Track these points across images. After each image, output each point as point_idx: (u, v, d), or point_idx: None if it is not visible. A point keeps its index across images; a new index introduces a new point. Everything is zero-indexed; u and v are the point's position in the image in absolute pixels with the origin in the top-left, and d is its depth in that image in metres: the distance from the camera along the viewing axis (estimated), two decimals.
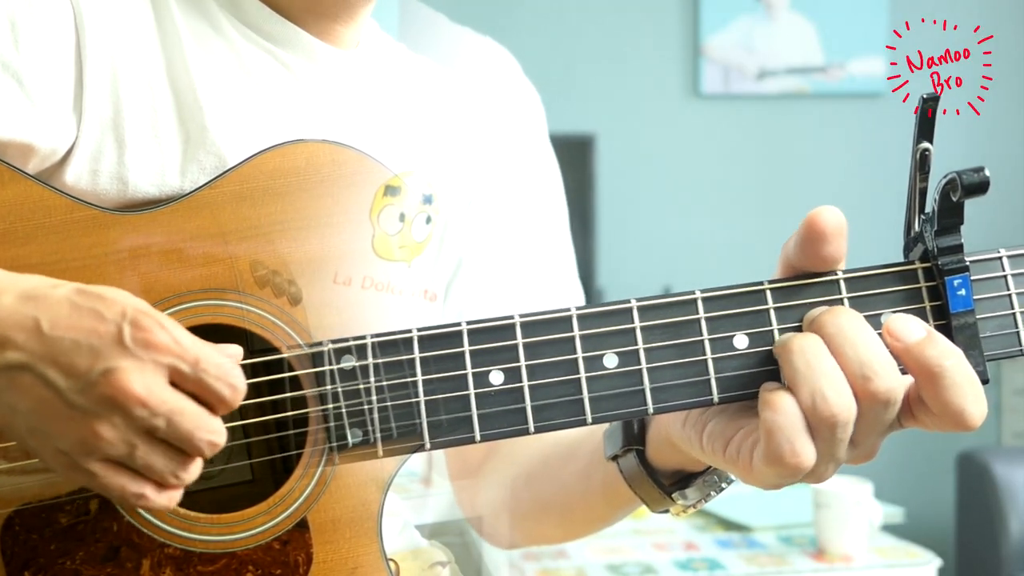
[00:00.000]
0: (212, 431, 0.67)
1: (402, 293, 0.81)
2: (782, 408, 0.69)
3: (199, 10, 0.89)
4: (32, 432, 0.66)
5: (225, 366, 0.68)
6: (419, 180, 0.84)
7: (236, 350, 0.70)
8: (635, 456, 0.84)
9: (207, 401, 0.68)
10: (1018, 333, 0.74)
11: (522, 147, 1.12)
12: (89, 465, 0.66)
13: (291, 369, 0.77)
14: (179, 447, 0.67)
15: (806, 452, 0.69)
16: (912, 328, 0.71)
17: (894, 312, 0.73)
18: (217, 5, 0.90)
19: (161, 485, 0.68)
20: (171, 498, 0.69)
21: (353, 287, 0.80)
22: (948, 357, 0.70)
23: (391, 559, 0.83)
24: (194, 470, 0.69)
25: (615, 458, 0.86)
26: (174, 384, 0.66)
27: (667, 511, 0.86)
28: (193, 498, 0.78)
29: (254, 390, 0.76)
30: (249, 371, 0.76)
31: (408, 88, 1.01)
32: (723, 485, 0.84)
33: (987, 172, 0.70)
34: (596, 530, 1.04)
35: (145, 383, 0.65)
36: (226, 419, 0.70)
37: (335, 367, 0.76)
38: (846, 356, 0.70)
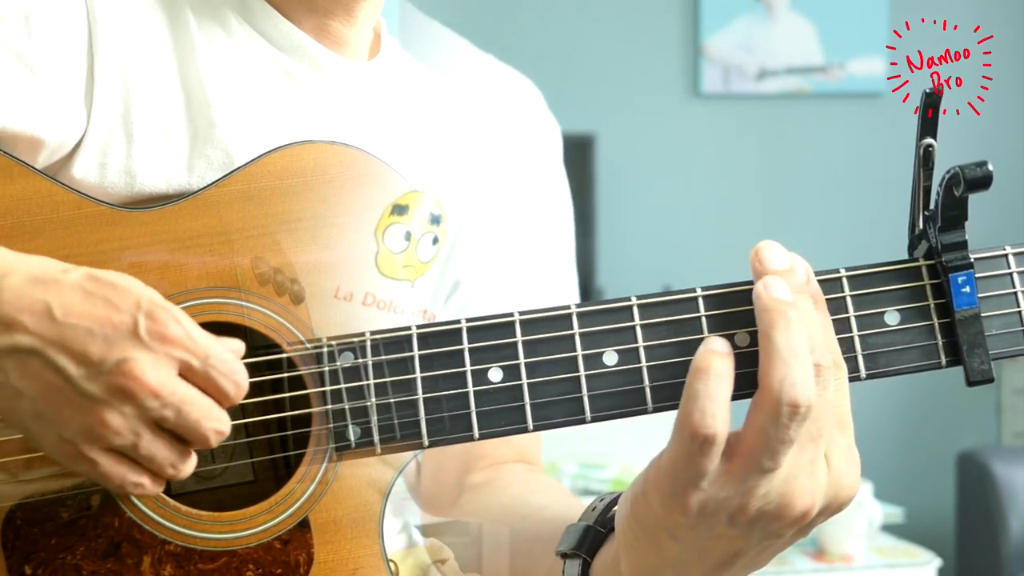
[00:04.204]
0: (218, 420, 0.69)
1: (403, 312, 0.81)
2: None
3: (211, 12, 0.89)
4: (37, 417, 0.67)
5: (232, 362, 0.69)
6: (428, 199, 0.83)
7: (239, 345, 0.72)
8: (580, 566, 0.78)
9: (212, 396, 0.69)
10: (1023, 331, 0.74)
11: (535, 176, 1.11)
12: (92, 454, 0.67)
13: (292, 367, 0.77)
14: (183, 437, 0.69)
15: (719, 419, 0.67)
16: (776, 256, 0.70)
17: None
18: (229, 7, 0.90)
19: (156, 475, 0.70)
20: (162, 486, 0.71)
21: (354, 303, 0.80)
22: (792, 307, 0.67)
23: (391, 560, 0.83)
24: (191, 464, 0.71)
25: (563, 556, 0.80)
26: (183, 377, 0.68)
27: None
28: (195, 497, 0.78)
29: (256, 389, 0.76)
30: (251, 369, 0.76)
31: (420, 106, 0.99)
32: None
33: (990, 166, 0.70)
34: None
35: (158, 375, 0.66)
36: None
37: (335, 365, 0.76)
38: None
